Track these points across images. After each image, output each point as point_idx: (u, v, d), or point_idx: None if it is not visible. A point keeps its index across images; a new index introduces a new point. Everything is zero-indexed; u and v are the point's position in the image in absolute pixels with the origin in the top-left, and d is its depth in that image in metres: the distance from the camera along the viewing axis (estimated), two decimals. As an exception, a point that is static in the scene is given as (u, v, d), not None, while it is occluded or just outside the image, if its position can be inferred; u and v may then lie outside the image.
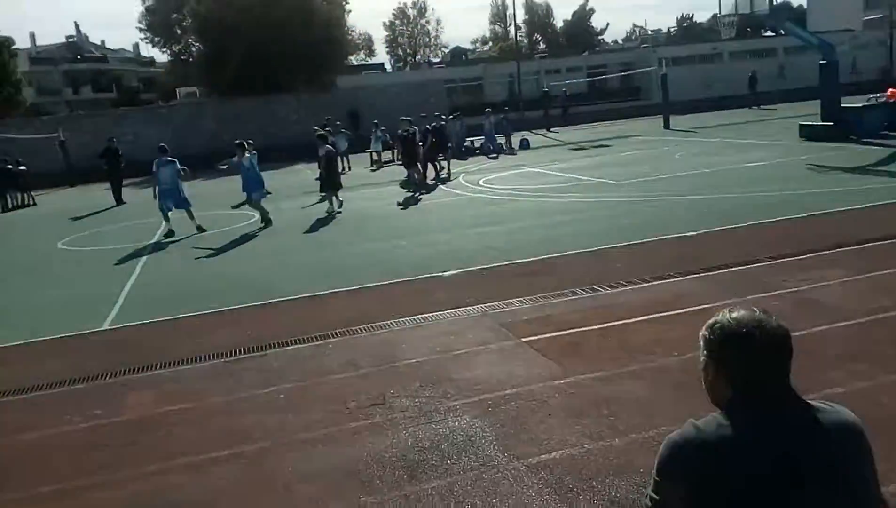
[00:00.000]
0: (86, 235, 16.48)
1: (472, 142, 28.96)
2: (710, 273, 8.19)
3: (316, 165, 17.66)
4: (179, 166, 14.96)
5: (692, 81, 44.55)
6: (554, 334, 6.67)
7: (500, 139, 28.75)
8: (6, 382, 6.87)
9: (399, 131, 20.48)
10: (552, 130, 37.79)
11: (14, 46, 54.19)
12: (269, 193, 15.48)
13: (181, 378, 6.58)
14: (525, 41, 76.95)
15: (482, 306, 7.71)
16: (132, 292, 10.29)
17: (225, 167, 16.56)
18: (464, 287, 8.63)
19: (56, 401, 6.33)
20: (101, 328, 8.58)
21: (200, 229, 14.72)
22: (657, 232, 10.61)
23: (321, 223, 14.98)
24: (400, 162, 22.52)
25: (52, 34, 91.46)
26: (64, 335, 8.41)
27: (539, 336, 6.62)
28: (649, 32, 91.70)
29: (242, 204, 16.98)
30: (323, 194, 16.58)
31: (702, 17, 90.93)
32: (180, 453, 5.06)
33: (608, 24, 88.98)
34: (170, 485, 4.68)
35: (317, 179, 17.47)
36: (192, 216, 14.89)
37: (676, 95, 34.37)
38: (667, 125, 31.03)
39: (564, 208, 13.69)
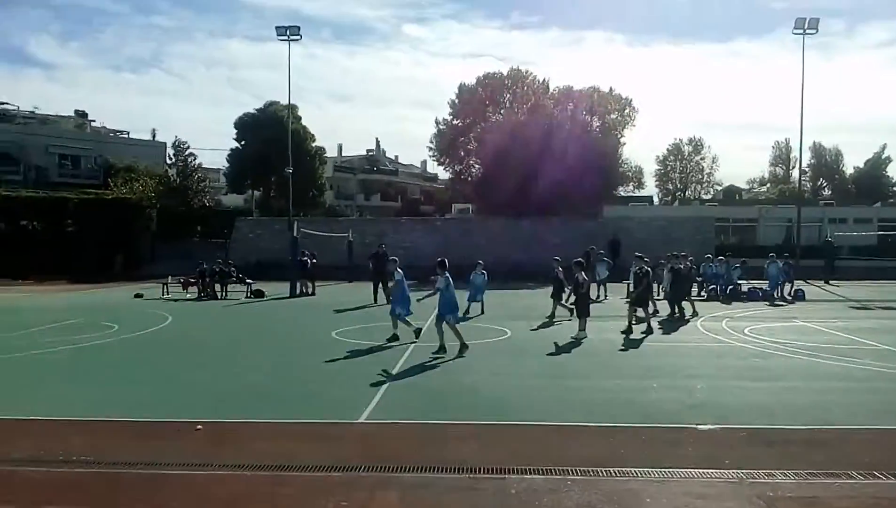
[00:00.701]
0: (356, 328, 18.01)
1: (739, 285, 27.42)
2: None
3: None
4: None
5: None
6: (823, 520, 5.91)
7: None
8: (273, 457, 7.59)
9: (634, 269, 19.87)
10: (831, 282, 34.66)
11: (325, 155, 62.64)
12: (460, 319, 15.23)
13: (426, 486, 6.80)
14: (808, 186, 72.57)
15: (739, 471, 7.08)
16: (389, 390, 10.97)
17: (430, 294, 15.58)
18: (720, 445, 8.02)
19: (311, 484, 6.85)
20: (358, 421, 9.21)
21: (417, 334, 15.58)
22: (960, 420, 9.09)
23: (567, 349, 14.95)
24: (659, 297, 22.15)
25: (357, 146, 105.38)
26: (325, 421, 9.21)
27: (805, 520, 5.90)
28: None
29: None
30: (570, 317, 16.83)
31: None
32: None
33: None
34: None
35: (571, 304, 17.92)
36: (407, 324, 15.70)
37: None
38: (976, 294, 26.98)
39: (842, 373, 12.30)
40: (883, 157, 77.95)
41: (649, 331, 17.21)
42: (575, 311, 17.26)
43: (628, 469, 7.16)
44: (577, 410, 9.72)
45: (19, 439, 8.39)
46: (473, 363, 13.27)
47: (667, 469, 7.17)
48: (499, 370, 12.71)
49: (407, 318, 15.70)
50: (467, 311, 20.15)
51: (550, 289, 20.45)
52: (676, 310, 20.74)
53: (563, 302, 19.61)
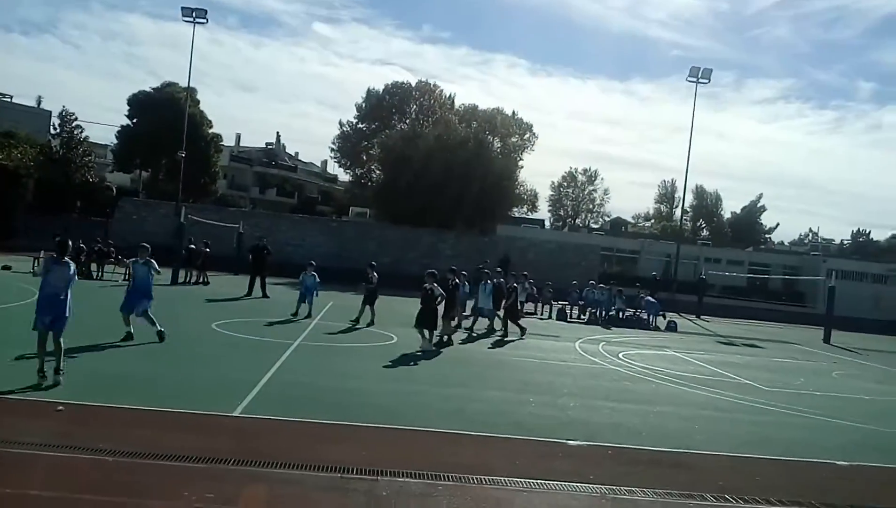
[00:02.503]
0: (237, 321, 17.52)
1: (618, 312, 28.63)
2: (860, 513, 7.40)
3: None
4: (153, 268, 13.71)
5: (861, 299, 42.32)
6: (675, 536, 6.23)
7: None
8: (137, 443, 7.28)
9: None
10: (703, 317, 36.69)
11: (221, 143, 60.75)
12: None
13: (297, 483, 6.70)
14: (689, 225, 76.52)
15: (603, 486, 7.36)
16: (267, 385, 10.75)
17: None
18: (587, 461, 8.32)
19: (177, 474, 6.61)
20: (231, 414, 8.96)
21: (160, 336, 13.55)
22: (802, 452, 9.81)
23: (450, 359, 15.13)
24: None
25: (256, 138, 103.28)
26: (197, 412, 8.91)
27: (658, 534, 6.20)
28: (821, 240, 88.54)
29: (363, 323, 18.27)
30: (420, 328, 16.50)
31: (880, 234, 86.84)
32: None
33: (778, 225, 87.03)
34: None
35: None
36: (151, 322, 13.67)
37: (842, 309, 32.67)
38: (827, 339, 29.32)
39: (705, 402, 13.04)
40: (758, 205, 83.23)
41: (449, 342, 17.40)
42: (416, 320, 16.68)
43: (498, 478, 7.31)
44: (453, 418, 9.83)
45: None
46: (356, 366, 13.21)
47: (535, 480, 7.36)
48: (380, 375, 12.70)
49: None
50: (295, 313, 19.76)
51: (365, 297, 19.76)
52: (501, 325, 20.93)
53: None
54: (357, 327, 18.92)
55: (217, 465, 6.92)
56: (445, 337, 17.57)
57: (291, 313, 19.68)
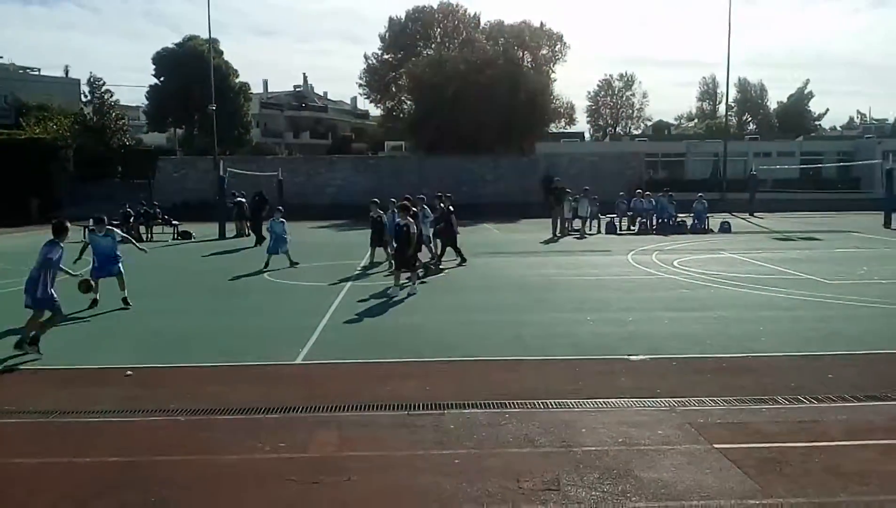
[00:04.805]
0: (288, 270, 17.58)
1: (675, 217, 28.10)
2: (943, 402, 7.16)
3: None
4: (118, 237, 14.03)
5: (923, 178, 40.63)
6: (750, 444, 6.11)
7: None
8: (207, 401, 7.42)
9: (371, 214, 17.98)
10: (756, 215, 35.84)
11: (250, 91, 60.55)
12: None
13: (364, 424, 6.77)
14: (734, 120, 74.21)
15: (671, 399, 7.28)
16: (325, 330, 10.84)
17: None
18: (651, 376, 8.21)
19: (249, 427, 6.72)
20: (294, 362, 9.07)
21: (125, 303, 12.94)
22: (874, 344, 9.56)
23: (502, 285, 15.02)
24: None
25: (283, 83, 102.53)
26: (261, 363, 9.04)
27: (733, 445, 6.09)
28: (872, 121, 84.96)
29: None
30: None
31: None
32: (360, 501, 5.18)
33: (827, 110, 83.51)
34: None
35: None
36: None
37: (902, 191, 31.47)
38: (888, 224, 28.40)
39: (767, 302, 12.76)
40: (805, 91, 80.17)
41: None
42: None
43: (563, 401, 7.28)
44: (513, 344, 9.80)
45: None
46: (408, 302, 13.23)
47: (601, 400, 7.31)
48: (434, 308, 12.71)
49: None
50: (267, 264, 17.83)
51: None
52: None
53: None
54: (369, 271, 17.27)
55: (286, 414, 7.02)
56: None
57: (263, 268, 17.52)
